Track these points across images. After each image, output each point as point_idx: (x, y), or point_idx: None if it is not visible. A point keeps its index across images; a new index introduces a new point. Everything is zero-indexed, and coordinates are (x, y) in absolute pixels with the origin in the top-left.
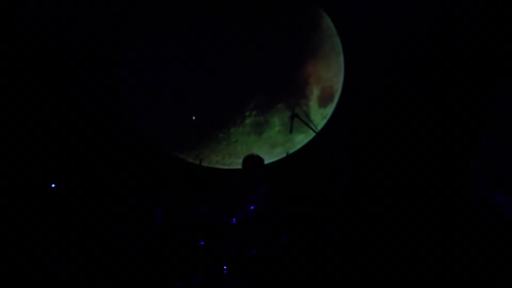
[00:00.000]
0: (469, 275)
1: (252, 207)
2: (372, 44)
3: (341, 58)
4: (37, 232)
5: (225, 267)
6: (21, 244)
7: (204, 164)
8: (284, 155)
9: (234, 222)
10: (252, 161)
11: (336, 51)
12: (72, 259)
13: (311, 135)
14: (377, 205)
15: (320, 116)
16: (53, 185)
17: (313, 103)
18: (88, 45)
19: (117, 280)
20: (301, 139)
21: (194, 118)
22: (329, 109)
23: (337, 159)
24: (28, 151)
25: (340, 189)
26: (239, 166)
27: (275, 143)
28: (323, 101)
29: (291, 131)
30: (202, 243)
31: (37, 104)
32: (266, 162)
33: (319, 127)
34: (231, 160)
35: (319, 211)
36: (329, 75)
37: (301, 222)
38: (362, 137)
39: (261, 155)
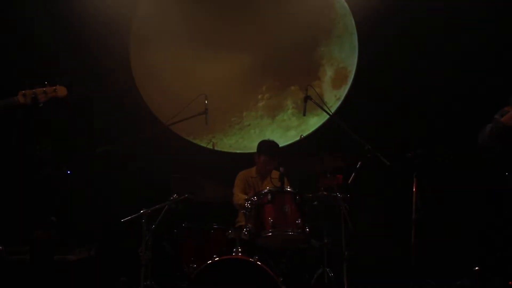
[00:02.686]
0: None
1: (265, 190)
2: (386, 23)
3: (355, 38)
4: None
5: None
6: None
7: (217, 148)
8: (298, 138)
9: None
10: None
11: (349, 31)
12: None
13: (325, 117)
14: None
15: (334, 98)
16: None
17: (326, 85)
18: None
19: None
20: (315, 121)
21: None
22: (343, 91)
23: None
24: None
25: (355, 174)
26: (253, 150)
27: (289, 126)
28: (337, 83)
29: (304, 114)
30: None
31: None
32: (280, 145)
33: (333, 109)
34: (244, 144)
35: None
36: (343, 55)
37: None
38: (377, 119)
39: (274, 139)
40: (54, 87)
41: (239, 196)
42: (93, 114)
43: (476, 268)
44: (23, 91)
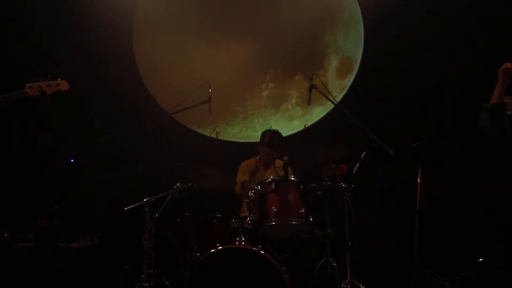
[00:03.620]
0: None
1: (268, 180)
2: (393, 11)
3: (361, 27)
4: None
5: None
6: None
7: (221, 137)
8: (302, 127)
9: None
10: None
11: (355, 19)
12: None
13: (329, 107)
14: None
15: (339, 88)
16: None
17: (331, 74)
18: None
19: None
20: (319, 111)
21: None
22: (348, 80)
23: (356, 132)
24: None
25: (360, 164)
26: (256, 140)
27: (293, 116)
28: (342, 72)
29: (309, 103)
30: None
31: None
32: (284, 135)
33: (338, 99)
34: (248, 133)
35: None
36: (348, 44)
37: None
38: (382, 109)
39: (278, 128)
40: (57, 81)
41: (240, 185)
42: (95, 102)
43: (480, 259)
44: (30, 84)
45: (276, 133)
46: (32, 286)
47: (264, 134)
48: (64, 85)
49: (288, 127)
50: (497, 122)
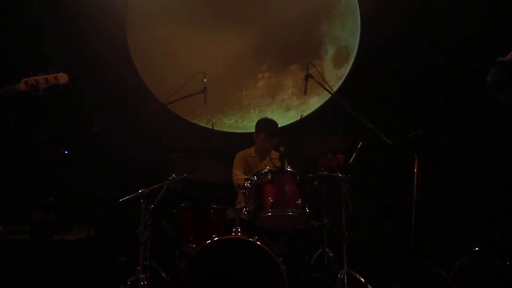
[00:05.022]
0: None
1: (265, 170)
2: (389, 0)
3: (357, 16)
4: None
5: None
6: None
7: (217, 128)
8: (298, 118)
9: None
10: (266, 122)
11: (351, 8)
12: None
13: (325, 97)
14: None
15: (335, 77)
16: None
17: (327, 64)
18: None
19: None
20: (316, 101)
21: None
22: (345, 70)
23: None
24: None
25: (357, 154)
26: (252, 130)
27: (289, 106)
28: (338, 62)
29: (305, 93)
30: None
31: None
32: (280, 125)
33: (334, 89)
34: (243, 124)
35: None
36: (345, 34)
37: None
38: (379, 99)
39: (274, 118)
40: (55, 75)
41: (238, 176)
42: (90, 93)
43: (476, 248)
44: (26, 79)
45: (271, 121)
46: (28, 279)
47: (259, 122)
48: (63, 78)
49: (284, 117)
50: (509, 80)
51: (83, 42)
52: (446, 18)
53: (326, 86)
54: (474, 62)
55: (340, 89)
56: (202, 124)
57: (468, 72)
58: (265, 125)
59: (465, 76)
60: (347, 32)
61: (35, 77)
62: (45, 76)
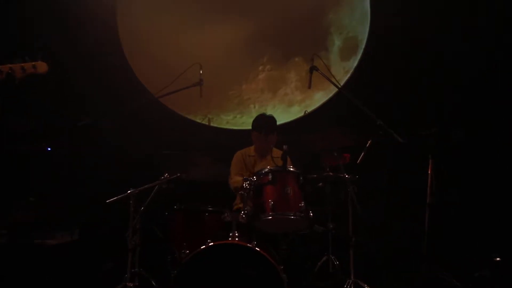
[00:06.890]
0: None
1: (265, 170)
2: None
3: (367, 4)
4: None
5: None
6: None
7: (213, 124)
8: (302, 114)
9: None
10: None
11: None
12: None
13: (331, 91)
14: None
15: (342, 71)
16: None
17: (334, 56)
18: None
19: None
20: (321, 96)
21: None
22: (352, 62)
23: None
24: None
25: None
26: None
27: (292, 101)
28: (346, 53)
29: (309, 86)
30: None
31: None
32: (282, 122)
33: (341, 82)
34: (242, 120)
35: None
36: (353, 23)
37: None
38: (389, 94)
39: (276, 114)
40: (33, 63)
41: (234, 179)
42: (76, 84)
43: (497, 258)
44: (1, 66)
45: (264, 117)
46: (6, 285)
47: (255, 119)
48: (41, 67)
49: (287, 113)
50: None
51: (72, 32)
52: (462, 4)
53: (333, 80)
54: (492, 54)
55: (347, 83)
56: (198, 120)
57: (485, 66)
58: (255, 122)
59: (482, 70)
60: (355, 21)
61: (10, 65)
62: (22, 65)
